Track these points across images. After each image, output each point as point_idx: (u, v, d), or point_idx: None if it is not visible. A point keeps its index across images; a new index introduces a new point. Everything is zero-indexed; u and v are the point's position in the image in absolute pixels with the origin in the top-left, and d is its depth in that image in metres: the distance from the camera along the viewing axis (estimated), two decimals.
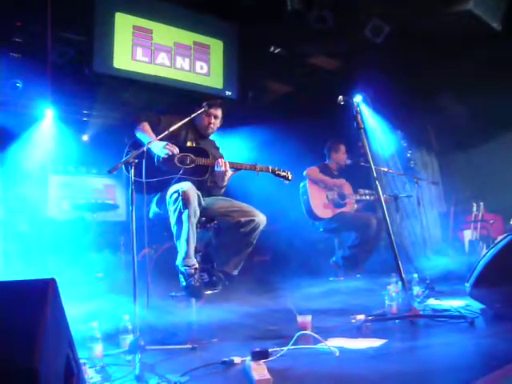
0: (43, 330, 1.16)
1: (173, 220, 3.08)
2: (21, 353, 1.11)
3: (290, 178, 3.53)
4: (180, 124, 3.10)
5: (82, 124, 5.92)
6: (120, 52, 5.24)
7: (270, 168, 3.47)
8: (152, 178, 3.10)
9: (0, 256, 4.28)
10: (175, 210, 3.04)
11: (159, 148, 3.19)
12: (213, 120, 3.58)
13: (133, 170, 2.71)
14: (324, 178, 5.17)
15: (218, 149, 3.75)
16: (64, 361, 1.35)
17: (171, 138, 3.25)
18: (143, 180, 2.83)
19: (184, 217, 3.00)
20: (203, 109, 3.36)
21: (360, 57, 5.54)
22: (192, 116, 3.27)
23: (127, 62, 5.31)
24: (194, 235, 3.06)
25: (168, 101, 5.43)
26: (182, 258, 3.03)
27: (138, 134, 3.34)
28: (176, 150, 3.23)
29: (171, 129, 3.04)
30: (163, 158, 3.20)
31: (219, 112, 3.61)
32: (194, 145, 3.49)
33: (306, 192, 5.13)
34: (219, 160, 3.30)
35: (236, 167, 3.36)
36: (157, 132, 3.28)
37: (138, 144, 3.27)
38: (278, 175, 3.49)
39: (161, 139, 3.07)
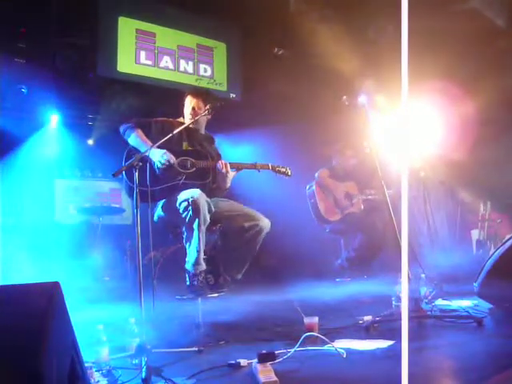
0: (47, 334, 1.15)
1: (183, 226, 3.10)
2: (25, 356, 1.11)
3: (289, 173, 3.53)
4: (181, 128, 3.08)
5: (87, 128, 5.93)
6: (124, 56, 5.27)
7: (270, 165, 3.46)
8: (155, 184, 3.06)
9: (6, 260, 4.30)
10: (185, 218, 3.03)
11: (158, 156, 3.13)
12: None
13: (137, 173, 2.70)
14: (331, 182, 5.16)
15: (212, 142, 3.66)
16: (69, 364, 1.35)
17: (166, 142, 3.05)
18: (149, 189, 2.84)
19: (194, 225, 3.01)
20: (206, 112, 3.35)
21: (363, 56, 5.50)
22: (191, 121, 3.28)
23: (131, 66, 5.34)
24: (204, 242, 3.09)
25: (172, 103, 5.44)
26: (191, 264, 3.08)
27: (133, 142, 3.26)
28: (173, 159, 3.18)
29: (175, 131, 3.02)
30: (163, 166, 3.14)
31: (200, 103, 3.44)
32: (190, 147, 3.41)
33: (313, 195, 5.09)
34: (219, 162, 3.27)
35: (237, 167, 3.34)
36: (150, 138, 3.24)
37: (136, 151, 3.20)
38: (278, 172, 3.49)
39: (155, 144, 2.97)
